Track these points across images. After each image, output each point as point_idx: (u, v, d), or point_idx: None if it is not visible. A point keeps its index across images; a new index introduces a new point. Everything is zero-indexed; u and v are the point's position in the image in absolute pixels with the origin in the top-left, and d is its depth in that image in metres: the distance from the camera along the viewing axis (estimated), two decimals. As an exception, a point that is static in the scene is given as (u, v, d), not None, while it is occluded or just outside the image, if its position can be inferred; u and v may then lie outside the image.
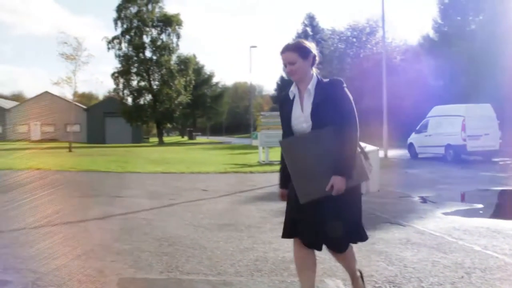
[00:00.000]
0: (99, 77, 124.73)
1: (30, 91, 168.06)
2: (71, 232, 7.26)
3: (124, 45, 61.50)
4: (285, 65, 3.84)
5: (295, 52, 3.76)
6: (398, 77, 45.45)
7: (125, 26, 61.33)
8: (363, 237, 3.94)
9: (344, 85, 3.74)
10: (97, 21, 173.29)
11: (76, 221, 8.17)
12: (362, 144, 3.89)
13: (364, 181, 3.86)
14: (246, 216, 8.52)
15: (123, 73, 60.88)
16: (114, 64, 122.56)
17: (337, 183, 3.58)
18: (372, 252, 5.95)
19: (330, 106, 3.67)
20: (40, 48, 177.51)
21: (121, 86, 62.07)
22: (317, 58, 3.87)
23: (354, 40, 55.70)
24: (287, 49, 3.80)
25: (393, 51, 49.68)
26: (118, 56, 61.32)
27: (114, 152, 31.72)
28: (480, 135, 21.03)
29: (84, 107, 74.69)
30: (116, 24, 61.62)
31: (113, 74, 61.35)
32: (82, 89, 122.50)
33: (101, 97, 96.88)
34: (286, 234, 3.93)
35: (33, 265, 5.42)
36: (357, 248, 6.10)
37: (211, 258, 5.71)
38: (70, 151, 32.20)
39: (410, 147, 25.33)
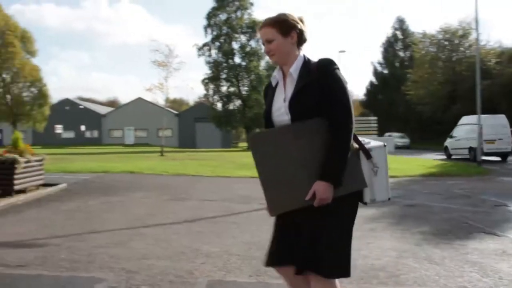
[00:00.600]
0: (189, 83, 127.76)
1: (124, 97, 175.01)
2: (162, 234, 7.45)
3: (213, 52, 62.56)
4: (263, 44, 3.17)
5: (273, 27, 3.09)
6: (493, 81, 43.80)
7: (214, 33, 62.39)
8: (343, 270, 3.00)
9: (336, 66, 3.01)
10: (186, 29, 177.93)
11: (167, 223, 8.38)
12: (364, 139, 3.15)
13: (360, 188, 3.03)
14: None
15: (213, 79, 61.90)
16: (204, 71, 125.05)
17: (321, 191, 2.85)
18: (465, 263, 5.73)
19: (315, 93, 2.96)
20: (133, 56, 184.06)
21: (211, 92, 63.13)
22: (305, 35, 3.19)
23: (446, 43, 54.13)
24: (265, 24, 3.13)
25: (487, 54, 47.87)
26: (208, 62, 62.46)
27: (204, 157, 32.28)
28: (494, 139, 26.29)
29: (176, 112, 76.72)
30: (206, 31, 62.80)
31: (203, 80, 62.54)
32: (173, 95, 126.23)
33: (191, 102, 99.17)
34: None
35: (126, 264, 5.60)
36: (449, 257, 5.95)
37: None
38: (162, 155, 33.05)
39: (446, 149, 30.88)
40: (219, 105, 63.46)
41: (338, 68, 3.01)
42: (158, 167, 20.60)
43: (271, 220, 8.63)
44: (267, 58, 61.67)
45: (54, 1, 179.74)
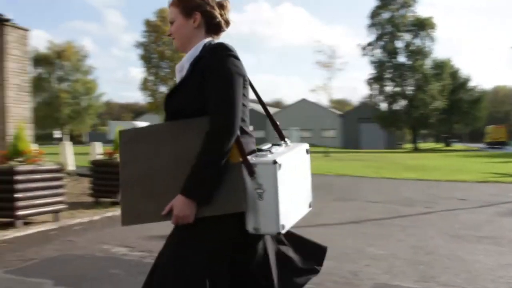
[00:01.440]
0: (352, 83, 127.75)
1: (288, 98, 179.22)
2: (327, 233, 7.50)
3: (377, 51, 61.81)
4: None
5: (176, 6, 2.55)
6: None
7: (378, 32, 61.61)
8: None
9: (228, 52, 2.37)
10: (348, 29, 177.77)
11: (332, 223, 8.43)
12: (270, 150, 2.52)
13: (233, 211, 2.31)
14: (508, 229, 7.96)
15: (377, 79, 61.23)
16: (366, 71, 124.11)
17: (178, 207, 2.26)
18: None
19: (195, 87, 2.36)
20: (296, 57, 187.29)
21: (375, 92, 62.49)
22: (218, 21, 2.57)
23: None
24: (170, 2, 2.60)
25: None
26: (372, 62, 61.83)
27: (368, 157, 31.99)
28: None
29: (339, 113, 76.68)
30: (369, 31, 62.27)
31: (367, 80, 62.05)
32: (337, 95, 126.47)
33: (354, 103, 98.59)
34: None
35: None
36: None
37: (469, 271, 5.44)
38: (326, 155, 33.23)
39: None
40: (383, 105, 62.58)
41: (230, 55, 2.37)
42: (322, 167, 20.77)
43: (439, 224, 8.37)
44: (432, 56, 59.95)
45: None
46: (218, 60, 2.33)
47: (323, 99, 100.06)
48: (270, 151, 2.45)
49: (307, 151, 2.67)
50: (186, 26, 2.52)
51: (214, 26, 2.56)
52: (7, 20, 14.67)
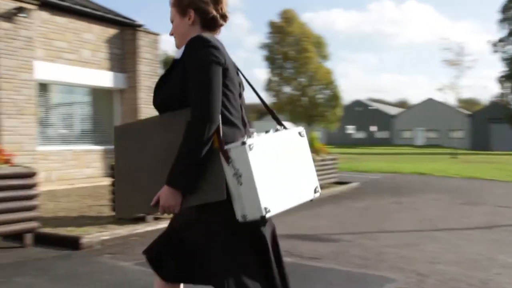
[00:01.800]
0: (481, 81, 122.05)
1: (413, 98, 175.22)
2: (454, 238, 7.23)
3: (509, 47, 58.61)
4: None
5: (173, 6, 2.60)
6: None
7: (510, 27, 58.45)
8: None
9: (203, 43, 2.37)
10: (477, 25, 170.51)
11: (459, 228, 8.11)
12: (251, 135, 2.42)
13: (213, 199, 2.32)
14: None
15: (509, 77, 58.06)
16: (498, 68, 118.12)
17: (163, 197, 2.33)
18: None
19: (177, 79, 2.43)
20: (421, 56, 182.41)
21: (506, 90, 59.33)
22: (212, 13, 2.54)
23: None
24: (169, 3, 2.65)
25: None
26: (503, 59, 58.74)
27: (499, 160, 30.46)
28: None
29: (468, 112, 73.56)
30: (500, 26, 59.17)
31: (498, 78, 59.04)
32: (465, 94, 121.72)
33: (484, 102, 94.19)
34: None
35: (416, 266, 5.57)
36: None
37: None
38: (453, 157, 32.05)
39: None
40: (515, 105, 59.28)
41: (205, 45, 2.37)
42: (449, 170, 20.09)
43: None
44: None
45: (342, 6, 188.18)
46: (193, 51, 2.36)
47: (450, 99, 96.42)
48: (250, 136, 2.38)
49: (301, 134, 2.60)
50: (183, 24, 2.57)
51: (209, 22, 2.56)
52: (140, 26, 15.48)
